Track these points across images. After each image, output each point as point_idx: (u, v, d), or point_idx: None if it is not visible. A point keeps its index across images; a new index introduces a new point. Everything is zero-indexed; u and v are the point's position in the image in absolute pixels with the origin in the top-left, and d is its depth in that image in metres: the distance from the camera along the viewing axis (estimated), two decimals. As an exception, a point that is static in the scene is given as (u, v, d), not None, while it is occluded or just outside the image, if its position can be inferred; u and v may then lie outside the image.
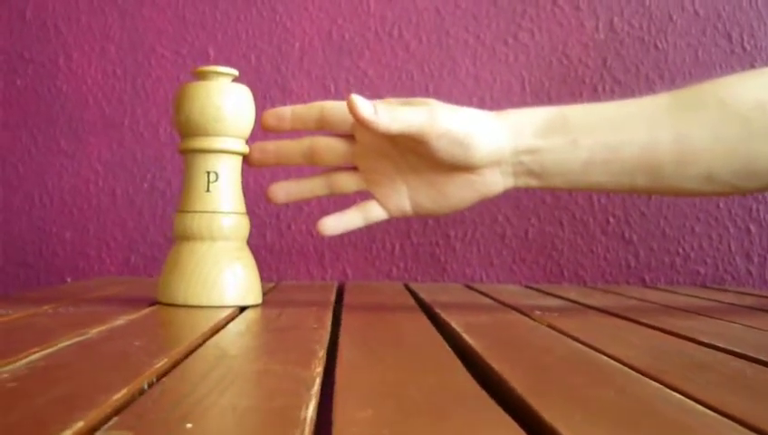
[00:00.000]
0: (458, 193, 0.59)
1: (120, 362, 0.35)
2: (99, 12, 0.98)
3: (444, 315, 0.54)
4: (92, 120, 0.98)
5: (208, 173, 0.59)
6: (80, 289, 0.73)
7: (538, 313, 0.58)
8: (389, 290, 0.82)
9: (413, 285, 0.87)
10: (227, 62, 0.95)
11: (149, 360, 0.34)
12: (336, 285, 0.86)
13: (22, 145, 0.98)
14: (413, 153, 0.59)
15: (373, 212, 0.61)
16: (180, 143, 0.59)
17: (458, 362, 0.36)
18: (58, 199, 0.98)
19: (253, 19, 0.98)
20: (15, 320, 0.48)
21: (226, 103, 0.58)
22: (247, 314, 0.55)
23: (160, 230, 0.98)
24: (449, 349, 0.40)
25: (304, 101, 0.96)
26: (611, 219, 0.99)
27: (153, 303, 0.59)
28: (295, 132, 0.62)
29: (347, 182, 0.61)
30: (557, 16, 0.99)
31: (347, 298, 0.69)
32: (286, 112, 0.61)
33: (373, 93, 0.98)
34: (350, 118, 0.58)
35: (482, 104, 0.98)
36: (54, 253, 0.97)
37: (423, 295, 0.73)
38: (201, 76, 0.59)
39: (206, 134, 0.58)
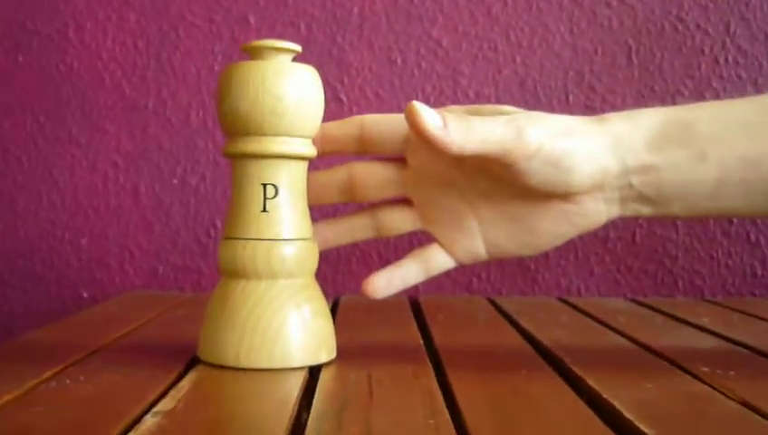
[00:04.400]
0: (549, 228, 0.47)
1: None
2: (115, -28, 0.86)
3: (589, 380, 0.42)
4: (110, 102, 0.87)
5: (265, 186, 0.45)
6: (100, 319, 0.61)
7: (705, 370, 0.45)
8: (479, 313, 0.68)
9: (501, 302, 0.74)
10: (271, 32, 0.85)
11: None
12: (407, 301, 0.73)
13: (26, 133, 0.87)
14: (487, 178, 0.46)
15: (436, 260, 0.48)
16: (225, 144, 0.45)
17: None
18: (70, 199, 0.87)
19: (302, -22, 0.86)
20: (9, 407, 0.33)
21: (289, 91, 0.44)
22: (325, 381, 0.41)
23: (193, 234, 0.87)
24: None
25: (365, 78, 0.86)
26: (734, 219, 0.85)
27: (193, 358, 0.45)
28: (328, 157, 0.49)
29: (398, 221, 0.49)
30: (670, -28, 0.86)
31: (437, 336, 0.56)
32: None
33: (448, 68, 0.85)
34: (399, 133, 0.47)
35: (580, 80, 0.85)
36: (68, 263, 0.87)
37: (525, 324, 0.61)
38: (253, 53, 0.45)
39: (262, 133, 0.44)
